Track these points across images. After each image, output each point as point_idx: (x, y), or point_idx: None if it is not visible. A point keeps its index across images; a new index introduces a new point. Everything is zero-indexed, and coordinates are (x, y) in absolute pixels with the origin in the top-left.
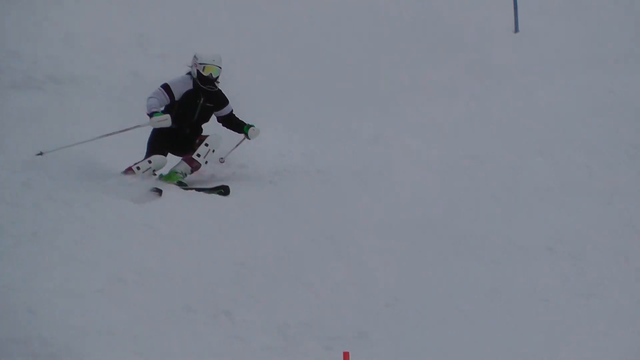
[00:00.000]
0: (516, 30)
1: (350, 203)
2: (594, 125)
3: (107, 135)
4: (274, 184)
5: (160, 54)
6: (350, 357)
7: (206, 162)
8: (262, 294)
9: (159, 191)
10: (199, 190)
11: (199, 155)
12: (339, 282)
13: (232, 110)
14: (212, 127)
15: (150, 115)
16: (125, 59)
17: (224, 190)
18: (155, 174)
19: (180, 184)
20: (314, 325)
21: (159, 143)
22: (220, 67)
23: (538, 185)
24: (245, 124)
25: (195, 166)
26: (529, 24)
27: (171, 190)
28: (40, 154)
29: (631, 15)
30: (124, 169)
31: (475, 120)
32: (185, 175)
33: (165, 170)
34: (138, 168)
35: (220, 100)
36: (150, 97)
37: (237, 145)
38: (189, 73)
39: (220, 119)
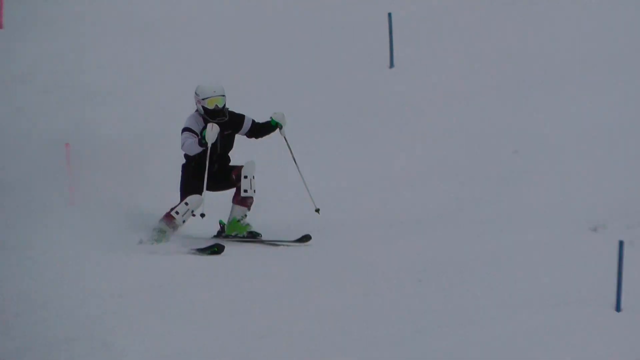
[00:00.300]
0: (391, 65)
1: None
2: (465, 156)
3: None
4: None
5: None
6: None
7: (254, 191)
8: (140, 324)
9: (219, 249)
10: (274, 243)
11: (246, 191)
12: (219, 312)
13: (252, 121)
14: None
15: (201, 142)
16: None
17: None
18: (194, 215)
19: (252, 234)
20: (192, 354)
21: (191, 184)
22: (224, 95)
23: (409, 216)
24: (270, 121)
25: (249, 203)
26: (404, 58)
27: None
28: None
29: (503, 46)
30: (161, 216)
31: (352, 151)
32: (246, 215)
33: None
34: (177, 213)
35: (236, 121)
36: (186, 140)
37: (289, 148)
38: (197, 110)
39: (247, 135)
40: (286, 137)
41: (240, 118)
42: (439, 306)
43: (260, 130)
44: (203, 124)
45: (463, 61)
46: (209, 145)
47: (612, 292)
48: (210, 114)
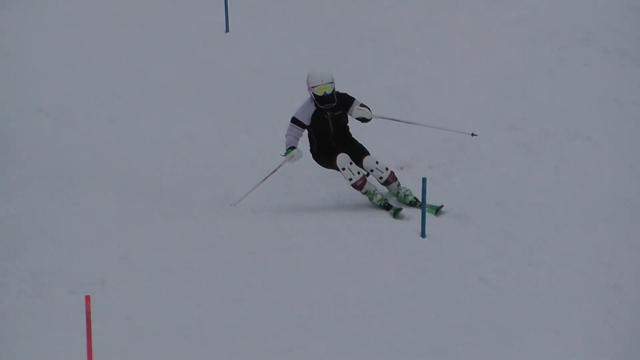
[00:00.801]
0: (227, 30)
1: None
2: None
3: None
4: None
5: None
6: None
7: (387, 169)
8: (17, 247)
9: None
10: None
11: (381, 178)
12: (83, 238)
13: (359, 105)
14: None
15: (288, 149)
16: None
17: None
18: (365, 173)
19: (412, 203)
20: (61, 274)
21: (326, 154)
22: (332, 82)
23: (244, 158)
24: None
25: (392, 180)
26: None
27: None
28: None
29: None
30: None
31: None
32: (407, 190)
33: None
34: (350, 179)
35: (346, 103)
36: (286, 135)
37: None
38: (310, 96)
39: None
40: (383, 116)
41: (350, 100)
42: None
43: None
44: (314, 109)
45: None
46: (285, 161)
47: (418, 222)
48: (321, 102)
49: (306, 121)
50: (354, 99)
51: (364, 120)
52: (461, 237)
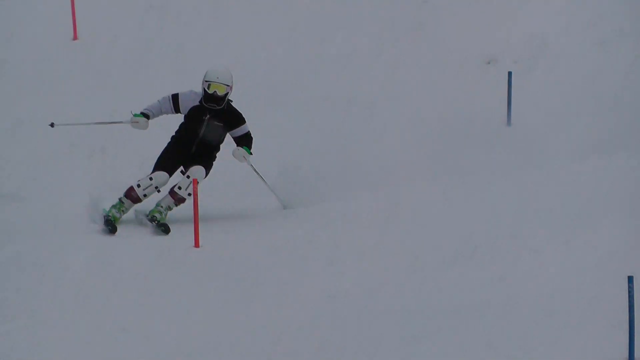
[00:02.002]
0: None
1: None
2: None
3: (92, 123)
4: None
5: None
6: None
7: (189, 195)
8: None
9: (112, 229)
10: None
11: (180, 188)
12: None
13: (247, 132)
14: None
15: (139, 114)
16: None
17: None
18: (158, 191)
19: (153, 219)
20: None
21: (164, 160)
22: (228, 85)
23: None
24: (247, 146)
25: (178, 199)
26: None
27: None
28: (52, 125)
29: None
30: (126, 188)
31: None
32: (170, 208)
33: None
34: (139, 185)
35: (233, 119)
36: (157, 100)
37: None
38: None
39: (235, 139)
40: (252, 165)
41: (239, 121)
42: None
43: (242, 143)
44: (197, 103)
45: None
46: (146, 123)
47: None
48: (206, 98)
49: (183, 108)
50: (244, 122)
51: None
52: None
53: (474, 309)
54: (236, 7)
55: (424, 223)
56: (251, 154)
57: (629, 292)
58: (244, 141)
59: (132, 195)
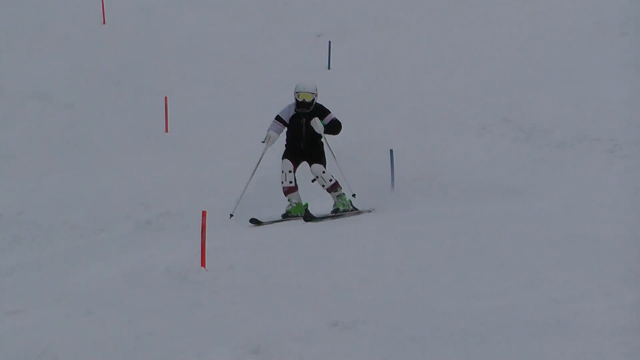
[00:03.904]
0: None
1: None
2: None
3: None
4: None
5: None
6: None
7: (330, 181)
8: None
9: (257, 223)
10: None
11: (323, 186)
12: None
13: (334, 118)
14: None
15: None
16: None
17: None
18: (290, 172)
19: (336, 211)
20: None
21: (286, 156)
22: (313, 92)
23: None
24: (331, 127)
25: (335, 188)
26: None
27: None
28: (231, 216)
29: None
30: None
31: None
32: (340, 197)
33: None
34: (282, 181)
35: (321, 113)
36: (270, 127)
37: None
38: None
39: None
40: (325, 140)
41: (326, 112)
42: None
43: (332, 128)
44: (293, 112)
45: None
46: (265, 147)
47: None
48: (298, 105)
49: (286, 119)
50: (329, 111)
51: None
52: None
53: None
54: None
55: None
56: (325, 126)
57: None
58: (333, 126)
59: (285, 191)
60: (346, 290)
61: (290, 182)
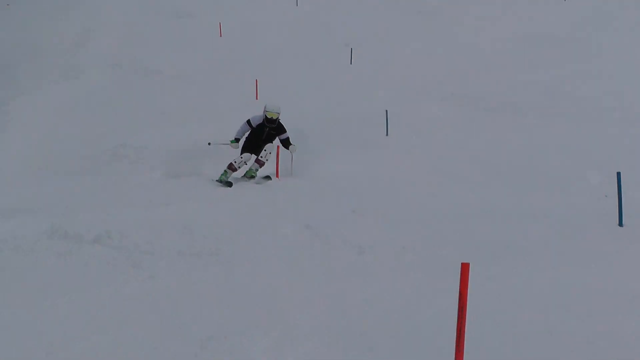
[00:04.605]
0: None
1: None
2: None
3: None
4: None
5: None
6: None
7: (267, 160)
8: None
9: (229, 184)
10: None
11: (262, 157)
12: None
13: (287, 137)
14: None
15: (234, 139)
16: None
17: (269, 177)
18: (246, 164)
19: (251, 177)
20: None
21: (246, 149)
22: (279, 113)
23: None
24: (290, 144)
25: (261, 163)
26: None
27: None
28: (209, 144)
29: None
30: (226, 165)
31: None
32: (257, 170)
33: (246, 168)
34: (235, 161)
35: (280, 130)
36: (240, 127)
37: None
38: (264, 114)
39: (280, 141)
40: (292, 155)
41: (283, 130)
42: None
43: (284, 144)
44: (260, 122)
45: None
46: (238, 144)
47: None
48: (267, 121)
49: (254, 125)
50: (285, 130)
51: (287, 148)
52: None
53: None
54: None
55: None
56: (287, 144)
57: None
58: (286, 142)
59: (232, 167)
60: (360, 191)
61: (238, 167)
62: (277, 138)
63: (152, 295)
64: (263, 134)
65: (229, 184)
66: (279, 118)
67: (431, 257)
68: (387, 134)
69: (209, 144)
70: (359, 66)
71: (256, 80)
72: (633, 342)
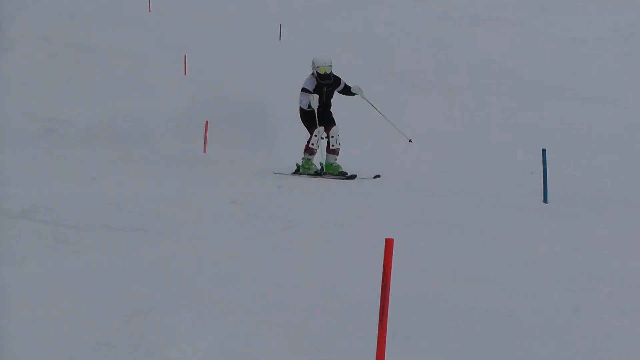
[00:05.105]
0: None
1: None
2: None
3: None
4: None
5: None
6: None
7: (339, 144)
8: None
9: (319, 173)
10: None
11: (333, 145)
12: None
13: (344, 84)
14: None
15: (308, 106)
16: None
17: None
18: (323, 138)
19: (341, 173)
20: None
21: (310, 121)
22: (331, 65)
23: None
24: (351, 89)
25: (336, 151)
26: None
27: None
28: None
29: None
30: (304, 149)
31: None
32: (336, 160)
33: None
34: (312, 144)
35: (336, 82)
36: (302, 98)
37: (371, 104)
38: (312, 73)
39: (339, 92)
40: (366, 98)
41: (339, 80)
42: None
43: (345, 92)
44: (316, 82)
45: None
46: (314, 109)
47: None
48: (321, 77)
49: (311, 89)
50: (340, 79)
51: (352, 94)
52: None
53: None
54: None
55: None
56: (351, 89)
57: None
58: (346, 89)
59: (311, 150)
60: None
61: (318, 147)
62: (334, 93)
63: (77, 269)
64: (322, 95)
65: (319, 173)
66: (332, 68)
67: (358, 232)
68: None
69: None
70: (288, 42)
71: (184, 55)
72: (554, 315)
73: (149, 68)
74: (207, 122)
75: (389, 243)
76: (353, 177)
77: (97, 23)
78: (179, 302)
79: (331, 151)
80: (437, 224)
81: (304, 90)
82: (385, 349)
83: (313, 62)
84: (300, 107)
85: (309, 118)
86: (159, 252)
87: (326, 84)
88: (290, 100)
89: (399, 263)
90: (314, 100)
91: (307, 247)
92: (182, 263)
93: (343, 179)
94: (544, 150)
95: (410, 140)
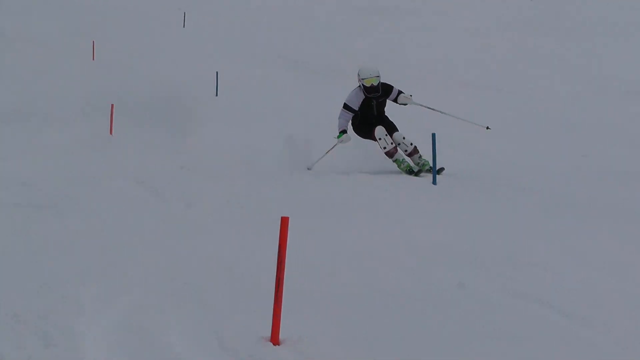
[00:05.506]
0: None
1: None
2: None
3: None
4: None
5: None
6: None
7: (411, 144)
8: None
9: (420, 170)
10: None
11: (406, 151)
12: None
13: (398, 92)
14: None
15: (340, 134)
16: None
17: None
18: (387, 136)
19: (430, 169)
20: None
21: (365, 128)
22: (378, 76)
23: None
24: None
25: (416, 152)
26: None
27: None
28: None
29: None
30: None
31: None
32: (421, 157)
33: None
34: (384, 147)
35: (387, 90)
36: (339, 118)
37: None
38: (359, 86)
39: (392, 100)
40: (420, 103)
41: (390, 88)
42: None
43: (399, 100)
44: (363, 97)
45: None
46: (338, 144)
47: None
48: (367, 91)
49: (356, 106)
50: (392, 87)
51: (404, 104)
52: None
53: None
54: None
55: None
56: (402, 99)
57: None
58: (399, 98)
59: (391, 153)
60: (189, 148)
61: (392, 144)
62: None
63: None
64: (373, 109)
65: (419, 170)
66: (380, 78)
67: (255, 210)
68: (216, 95)
69: (309, 169)
70: (191, 29)
71: (93, 41)
72: (444, 291)
73: (57, 53)
74: (112, 105)
75: (284, 221)
76: (442, 169)
77: (7, 8)
78: (86, 276)
79: (409, 154)
80: (332, 204)
81: (345, 107)
82: (280, 322)
83: (358, 74)
84: (351, 122)
85: (361, 128)
86: (67, 229)
87: (375, 97)
88: (196, 83)
89: (293, 240)
90: (345, 141)
91: (207, 224)
92: (88, 239)
93: (437, 172)
94: (433, 135)
95: (488, 128)
